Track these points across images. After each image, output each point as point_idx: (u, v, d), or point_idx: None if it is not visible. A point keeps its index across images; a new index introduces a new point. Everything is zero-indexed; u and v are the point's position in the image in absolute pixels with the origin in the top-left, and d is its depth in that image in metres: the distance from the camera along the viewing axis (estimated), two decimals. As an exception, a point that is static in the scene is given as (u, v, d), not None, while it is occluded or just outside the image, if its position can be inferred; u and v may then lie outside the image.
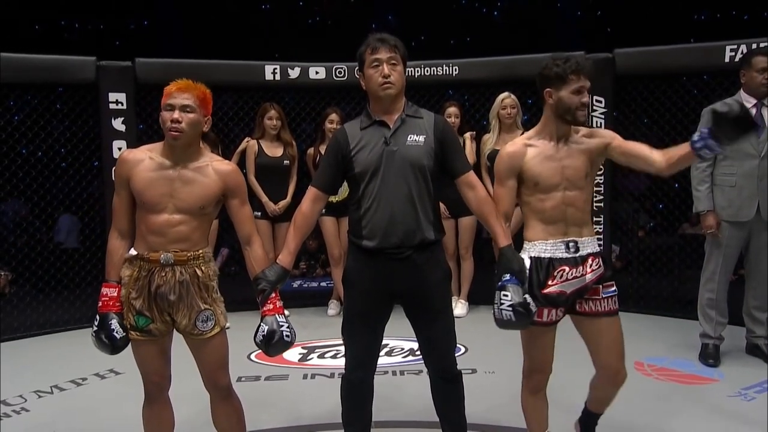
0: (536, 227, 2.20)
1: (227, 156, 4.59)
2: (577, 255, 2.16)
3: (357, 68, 2.22)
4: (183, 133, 2.02)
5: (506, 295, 2.05)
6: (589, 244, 2.19)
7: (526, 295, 2.07)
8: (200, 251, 2.12)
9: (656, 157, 2.15)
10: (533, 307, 2.07)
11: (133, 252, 2.10)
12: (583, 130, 2.24)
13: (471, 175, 2.22)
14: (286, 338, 2.08)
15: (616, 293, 2.21)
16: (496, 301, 2.08)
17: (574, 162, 2.17)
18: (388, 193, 2.12)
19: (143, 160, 2.08)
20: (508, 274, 2.09)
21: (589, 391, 2.36)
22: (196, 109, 2.04)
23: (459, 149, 2.27)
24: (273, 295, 2.12)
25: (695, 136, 2.03)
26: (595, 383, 2.32)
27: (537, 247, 2.18)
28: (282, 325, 2.08)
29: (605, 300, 2.18)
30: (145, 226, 2.07)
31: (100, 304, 2.09)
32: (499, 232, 2.17)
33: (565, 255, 2.16)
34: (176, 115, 2.01)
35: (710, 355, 3.52)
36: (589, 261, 2.17)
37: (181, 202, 2.06)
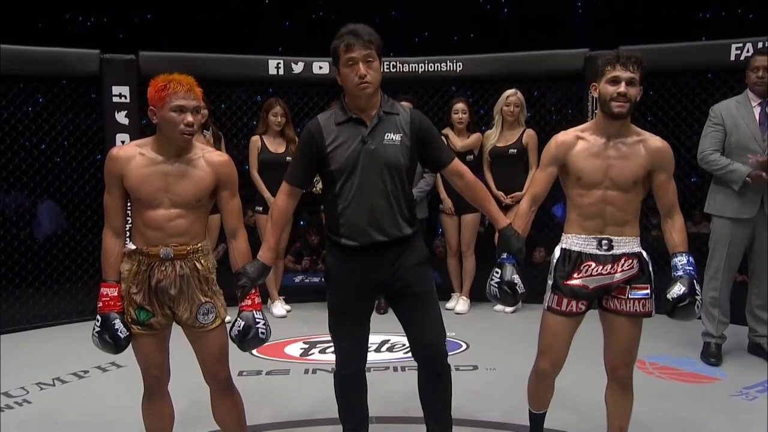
0: (574, 221, 2.21)
1: (230, 151, 4.59)
2: (609, 253, 2.15)
3: (332, 62, 2.17)
4: (193, 135, 2.05)
5: (497, 273, 2.17)
6: (627, 245, 2.17)
7: (515, 276, 2.14)
8: (199, 244, 2.12)
9: (664, 224, 2.21)
10: (520, 289, 2.15)
11: (131, 246, 2.10)
12: (643, 134, 2.17)
13: (457, 164, 2.23)
14: (261, 335, 2.10)
15: (647, 297, 2.16)
16: (490, 276, 2.19)
17: (621, 163, 2.13)
18: (365, 192, 2.12)
19: (134, 157, 2.06)
20: (505, 253, 2.17)
21: (606, 410, 2.31)
22: (200, 108, 2.06)
23: (439, 141, 2.26)
24: (253, 291, 2.13)
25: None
26: (606, 390, 2.30)
27: (569, 240, 2.20)
28: (258, 322, 2.10)
29: (631, 301, 2.16)
30: (143, 221, 2.07)
31: (100, 304, 2.08)
32: (494, 215, 2.22)
33: (596, 251, 2.16)
34: (191, 118, 2.01)
35: (712, 354, 3.51)
36: (622, 261, 2.15)
37: (176, 197, 2.06)
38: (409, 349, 3.78)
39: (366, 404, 2.36)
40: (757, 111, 3.37)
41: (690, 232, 5.31)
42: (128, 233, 2.27)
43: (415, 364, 3.43)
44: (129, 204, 2.13)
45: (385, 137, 2.13)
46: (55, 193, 4.75)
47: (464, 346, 3.72)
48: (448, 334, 2.35)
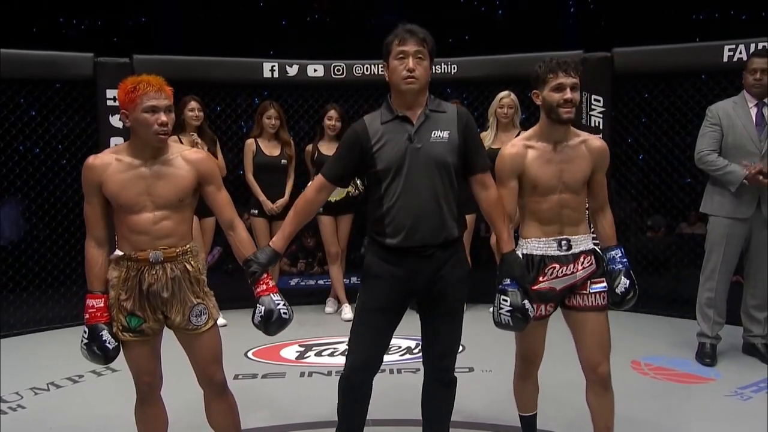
0: (531, 226, 2.24)
1: (225, 154, 4.59)
2: (569, 253, 2.20)
3: (382, 58, 2.15)
4: (168, 135, 2.02)
5: (506, 300, 2.10)
6: (583, 242, 2.23)
7: (525, 301, 2.10)
8: (188, 246, 2.10)
9: (596, 217, 2.33)
10: (531, 312, 2.11)
11: (118, 253, 2.07)
12: (582, 135, 2.25)
13: (487, 176, 2.19)
14: (284, 315, 2.08)
15: (605, 290, 2.24)
16: (495, 305, 2.13)
17: (571, 167, 2.19)
18: (412, 192, 2.07)
19: (111, 163, 2.04)
20: (509, 279, 2.12)
21: (590, 412, 2.31)
22: (172, 107, 2.03)
23: (480, 146, 2.21)
24: (264, 276, 2.10)
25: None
26: (587, 392, 2.30)
27: (530, 245, 2.23)
28: (278, 304, 2.08)
29: (592, 295, 2.22)
30: (127, 227, 2.04)
31: (87, 316, 2.05)
32: (503, 237, 2.17)
33: (557, 253, 2.20)
34: (164, 118, 1.99)
35: (707, 355, 3.52)
36: (582, 259, 2.21)
37: (159, 198, 2.04)
38: (405, 351, 3.81)
39: (366, 411, 2.32)
40: (753, 112, 3.38)
41: (684, 232, 5.39)
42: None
43: (412, 366, 3.44)
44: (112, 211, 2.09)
45: (432, 135, 2.08)
46: (49, 197, 4.73)
47: (460, 348, 3.71)
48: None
